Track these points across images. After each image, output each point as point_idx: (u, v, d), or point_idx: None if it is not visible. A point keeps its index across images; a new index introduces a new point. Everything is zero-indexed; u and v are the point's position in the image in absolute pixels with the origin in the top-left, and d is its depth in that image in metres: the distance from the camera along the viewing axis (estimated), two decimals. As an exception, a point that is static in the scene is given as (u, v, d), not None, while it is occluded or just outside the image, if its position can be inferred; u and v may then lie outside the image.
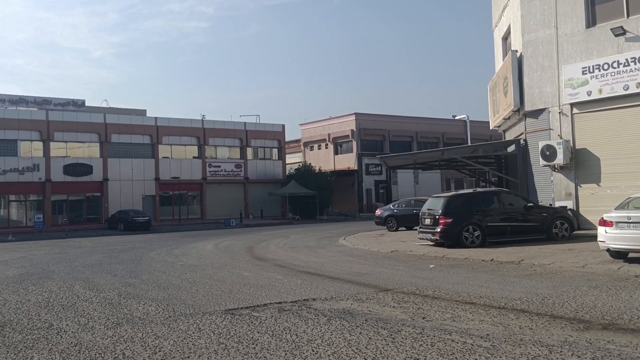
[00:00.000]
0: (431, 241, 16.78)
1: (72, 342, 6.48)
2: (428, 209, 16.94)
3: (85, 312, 8.31)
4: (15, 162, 38.92)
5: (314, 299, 8.55)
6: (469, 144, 57.04)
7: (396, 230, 25.65)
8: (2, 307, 9.07)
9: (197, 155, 47.35)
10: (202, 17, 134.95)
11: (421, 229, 17.23)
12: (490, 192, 17.10)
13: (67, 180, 40.82)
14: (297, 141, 62.80)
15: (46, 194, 39.97)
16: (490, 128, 24.81)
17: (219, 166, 48.22)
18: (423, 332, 6.22)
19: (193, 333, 6.58)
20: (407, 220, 25.84)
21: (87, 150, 42.29)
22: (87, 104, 43.72)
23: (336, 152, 57.44)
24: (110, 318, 7.74)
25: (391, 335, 6.12)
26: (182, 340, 6.26)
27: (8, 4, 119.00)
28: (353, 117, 54.90)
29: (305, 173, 49.71)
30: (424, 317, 7.02)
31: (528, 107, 19.16)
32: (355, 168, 54.49)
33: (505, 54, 23.06)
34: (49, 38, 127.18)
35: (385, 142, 56.68)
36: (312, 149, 60.49)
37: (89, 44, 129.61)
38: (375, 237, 22.68)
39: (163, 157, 45.31)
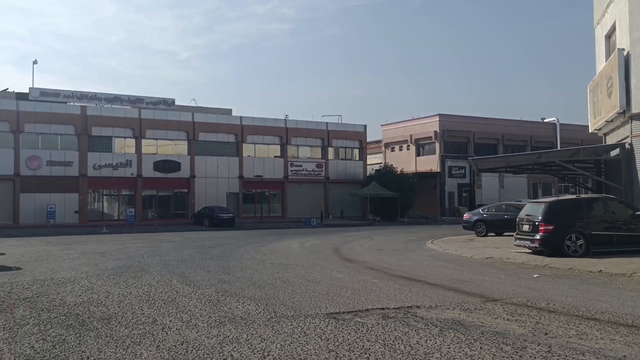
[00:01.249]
0: (529, 249, 15.86)
1: (178, 340, 6.40)
2: (527, 215, 16.02)
3: (186, 308, 8.29)
4: (109, 157, 40.83)
5: (417, 307, 8.11)
6: (559, 147, 54.43)
7: (485, 235, 24.63)
8: (105, 299, 9.25)
9: (279, 154, 47.86)
10: (284, 19, 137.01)
11: (518, 236, 16.33)
12: (595, 198, 15.97)
13: (157, 176, 42.37)
14: (378, 142, 62.19)
15: (137, 189, 41.67)
16: (590, 131, 23.30)
17: (301, 165, 48.51)
18: (551, 351, 5.65)
19: (299, 337, 6.33)
20: (497, 226, 24.77)
21: (175, 148, 43.73)
22: (175, 103, 45.26)
23: (418, 154, 56.38)
24: (212, 316, 7.66)
25: (516, 352, 5.60)
26: (289, 345, 6.02)
27: (102, 8, 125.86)
28: (437, 118, 53.67)
29: (386, 174, 49.04)
30: (546, 333, 6.43)
31: (635, 109, 17.74)
32: (438, 170, 53.24)
33: (608, 53, 21.56)
34: (140, 40, 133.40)
35: (469, 144, 55.03)
36: (393, 150, 59.70)
37: (176, 46, 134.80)
38: (464, 242, 21.85)
39: (247, 156, 46.12)
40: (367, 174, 51.76)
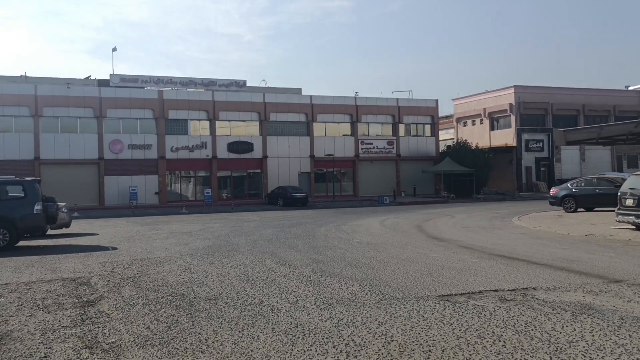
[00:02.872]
0: (633, 224, 14.83)
1: (291, 323, 6.23)
2: (630, 188, 14.95)
3: (288, 289, 8.14)
4: (185, 140, 41.73)
5: (534, 288, 7.61)
6: (646, 116, 51.16)
7: (574, 211, 23.40)
8: (205, 279, 9.27)
9: (349, 132, 47.43)
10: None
11: (620, 211, 15.27)
12: None
13: (231, 157, 42.99)
14: (449, 117, 60.55)
15: (212, 170, 42.46)
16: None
17: (371, 143, 47.92)
18: None
19: (419, 322, 6.01)
20: (588, 201, 23.46)
21: (248, 129, 44.16)
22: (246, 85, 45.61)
23: (492, 128, 54.45)
24: (318, 297, 7.46)
25: (671, 340, 5.05)
26: (411, 330, 5.71)
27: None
28: (512, 90, 51.52)
29: (460, 150, 47.68)
30: (695, 319, 5.82)
31: None
32: (514, 144, 51.20)
33: None
34: (205, 24, 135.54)
35: (547, 116, 52.59)
36: (465, 124, 57.97)
37: (240, 28, 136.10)
38: (553, 218, 20.82)
39: (317, 135, 45.97)
40: (440, 150, 50.55)
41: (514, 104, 51.12)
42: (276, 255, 11.97)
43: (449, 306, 6.64)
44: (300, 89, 48.14)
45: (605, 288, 7.51)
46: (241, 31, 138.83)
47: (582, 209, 23.67)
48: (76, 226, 20.87)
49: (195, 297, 7.79)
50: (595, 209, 23.61)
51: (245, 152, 43.47)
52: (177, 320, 6.56)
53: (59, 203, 16.66)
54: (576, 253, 11.30)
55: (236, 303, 7.33)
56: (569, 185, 24.84)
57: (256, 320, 6.39)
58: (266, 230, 18.88)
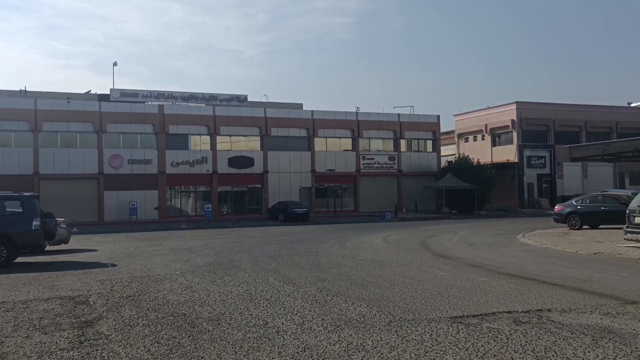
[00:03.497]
0: (642, 243, 14.56)
1: (298, 346, 5.96)
2: (639, 206, 14.71)
3: (294, 309, 7.87)
4: (186, 155, 41.56)
5: (548, 310, 7.34)
6: (648, 133, 51.02)
7: (579, 228, 23.11)
8: (207, 297, 9.00)
9: (351, 147, 47.30)
10: (345, 13, 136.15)
11: (629, 229, 15.00)
12: None
13: (231, 172, 42.80)
14: (450, 132, 60.46)
15: (213, 185, 42.24)
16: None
17: (373, 158, 47.77)
18: None
19: (432, 346, 5.74)
20: (593, 218, 23.16)
21: (248, 144, 44.03)
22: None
23: (494, 144, 54.31)
24: (325, 318, 7.19)
25: (701, 369, 4.79)
26: (425, 355, 5.44)
27: (170, 10, 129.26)
28: (514, 106, 51.44)
29: (462, 166, 47.47)
30: None
31: None
32: (516, 160, 51.02)
33: None
34: (206, 40, 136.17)
35: (549, 132, 52.48)
36: (466, 140, 57.85)
37: (241, 44, 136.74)
38: (559, 235, 20.55)
39: (318, 150, 45.82)
40: (441, 165, 50.37)
41: (515, 120, 51.04)
42: (279, 273, 11.69)
43: (462, 329, 6.37)
44: (301, 104, 48.10)
45: (622, 310, 7.25)
46: (242, 47, 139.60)
47: (586, 226, 23.39)
48: (75, 242, 20.59)
49: (197, 318, 7.52)
50: (600, 226, 23.33)
51: (246, 167, 43.29)
52: (178, 342, 6.29)
53: (57, 218, 16.40)
54: (587, 272, 11.03)
55: (240, 324, 7.07)
56: (573, 202, 24.58)
57: (261, 343, 6.12)
58: (268, 246, 18.60)
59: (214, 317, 7.51)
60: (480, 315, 7.08)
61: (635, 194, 27.24)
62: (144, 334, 6.70)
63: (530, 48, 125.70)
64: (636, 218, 14.67)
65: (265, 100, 47.79)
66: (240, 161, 43.17)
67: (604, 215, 22.78)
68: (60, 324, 7.32)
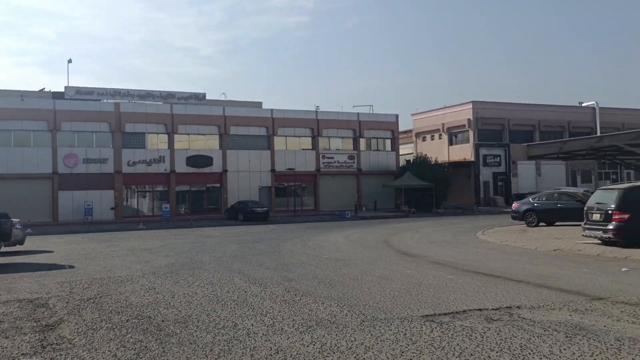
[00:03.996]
0: (599, 239, 14.95)
1: (271, 348, 5.80)
2: (597, 203, 15.10)
3: (263, 310, 7.69)
4: (143, 154, 40.63)
5: (518, 307, 7.40)
6: (598, 133, 52.74)
7: (536, 225, 23.64)
8: (172, 299, 8.73)
9: (310, 146, 47.21)
10: (303, 12, 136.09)
11: (587, 225, 15.39)
12: (673, 184, 14.93)
13: (190, 171, 42.06)
14: (408, 132, 61.10)
15: (171, 185, 41.43)
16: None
17: (332, 157, 47.78)
18: None
19: (408, 346, 5.67)
20: (550, 215, 23.72)
21: (207, 143, 43.37)
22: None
23: (451, 143, 55.17)
24: (296, 319, 7.05)
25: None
26: (401, 355, 5.36)
27: (125, 8, 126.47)
28: (470, 106, 52.36)
29: (420, 164, 48.02)
30: (689, 338, 5.67)
31: None
32: (472, 159, 51.98)
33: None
34: (162, 38, 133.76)
35: (504, 131, 53.61)
36: (424, 139, 58.58)
37: (197, 42, 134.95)
38: (517, 232, 20.95)
39: (278, 149, 45.55)
40: (400, 164, 50.84)
41: (472, 119, 51.94)
42: (244, 273, 11.48)
43: (436, 328, 6.34)
44: (260, 103, 47.71)
45: (590, 306, 7.36)
46: (198, 45, 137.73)
47: (543, 224, 23.93)
48: (30, 243, 19.80)
49: (163, 320, 7.27)
50: (556, 223, 23.90)
51: (204, 166, 42.63)
52: (146, 346, 6.05)
53: (12, 219, 15.72)
54: (550, 269, 11.23)
55: (208, 326, 6.85)
56: (530, 199, 25.12)
57: (232, 346, 5.94)
58: (230, 246, 18.31)
59: (180, 320, 7.27)
60: (451, 314, 7.07)
61: (588, 192, 28.17)
62: (109, 338, 6.42)
63: (487, 48, 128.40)
64: (594, 215, 15.06)
65: (224, 99, 47.17)
66: (199, 160, 42.48)
67: (560, 212, 23.35)
68: (21, 327, 6.98)
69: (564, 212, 23.18)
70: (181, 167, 41.70)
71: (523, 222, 24.40)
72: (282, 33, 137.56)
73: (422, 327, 6.36)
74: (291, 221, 36.04)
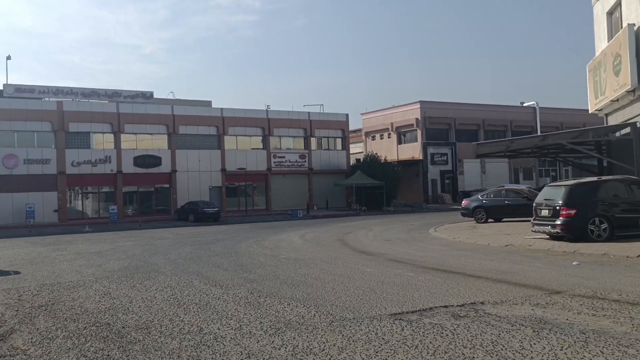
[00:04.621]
0: (548, 234, 15.44)
1: (241, 352, 5.65)
2: (545, 199, 15.58)
3: (227, 313, 7.52)
4: (88, 154, 39.35)
5: (482, 303, 7.51)
6: (539, 132, 54.65)
7: (485, 222, 24.25)
8: (130, 304, 8.43)
9: (261, 146, 46.90)
10: (249, 11, 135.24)
11: (536, 221, 15.87)
12: (617, 179, 15.53)
13: (137, 171, 41.07)
14: (358, 131, 61.61)
15: (118, 186, 40.30)
16: (590, 112, 23.06)
17: (284, 157, 47.67)
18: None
19: (382, 345, 5.64)
20: (498, 212, 24.39)
21: (155, 142, 42.43)
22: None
23: (399, 142, 55.97)
24: (263, 321, 6.91)
25: (642, 354, 5.02)
26: (376, 355, 5.32)
27: (65, 3, 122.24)
28: (418, 105, 53.29)
29: (370, 163, 48.48)
30: (649, 329, 5.88)
31: (648, 86, 17.46)
32: (420, 158, 52.91)
33: (610, 30, 21.32)
34: (104, 35, 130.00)
35: (450, 130, 54.83)
36: (373, 138, 59.22)
37: (141, 40, 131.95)
38: (468, 229, 21.42)
39: (229, 148, 45.01)
40: (350, 163, 51.19)
41: (419, 118, 52.85)
42: (203, 276, 11.23)
43: (406, 326, 6.34)
44: (210, 102, 47.06)
45: (550, 300, 7.54)
46: (142, 43, 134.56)
47: (491, 220, 24.57)
48: (-34, 249, 18.81)
49: (123, 327, 6.99)
50: (504, 219, 24.57)
51: (152, 167, 41.71)
52: (108, 355, 5.79)
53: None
54: (505, 264, 11.48)
55: (172, 332, 6.63)
56: (479, 197, 25.74)
57: (201, 352, 5.76)
58: (183, 248, 17.93)
59: (142, 325, 7.01)
60: (418, 311, 7.10)
61: (531, 189, 29.09)
62: (67, 347, 6.12)
63: (433, 49, 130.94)
64: (542, 211, 15.53)
65: (172, 97, 46.29)
66: (147, 160, 41.54)
67: (507, 208, 24.03)
68: (-33, 340, 6.55)
69: (511, 208, 23.87)
70: (128, 167, 40.64)
71: (472, 219, 24.99)
72: (228, 32, 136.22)
73: (392, 326, 6.36)
74: (243, 221, 35.72)
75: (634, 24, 17.86)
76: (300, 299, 8.28)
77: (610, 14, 21.29)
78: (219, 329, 6.65)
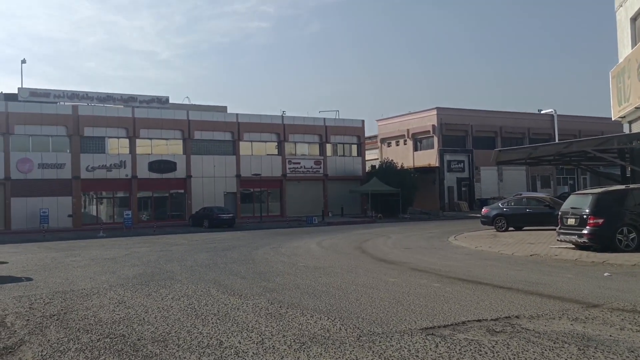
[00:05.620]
0: (574, 244, 14.91)
1: (265, 369, 5.28)
2: (572, 208, 15.05)
3: (248, 325, 7.15)
4: (103, 159, 39.31)
5: (517, 317, 7.06)
6: (557, 139, 53.84)
7: (506, 230, 23.71)
8: (146, 314, 8.09)
9: (276, 152, 46.63)
10: (264, 17, 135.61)
11: (562, 230, 15.34)
12: (647, 188, 14.98)
13: (152, 177, 40.93)
14: (373, 137, 61.19)
15: (132, 191, 40.21)
16: (613, 119, 22.43)
17: (299, 163, 47.34)
18: None
19: (416, 363, 5.24)
20: (519, 220, 23.84)
21: (171, 147, 42.29)
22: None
23: (415, 149, 55.46)
24: (286, 335, 6.53)
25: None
26: (411, 373, 4.93)
27: (80, 9, 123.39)
28: (434, 112, 52.78)
29: (386, 170, 47.97)
30: (703, 349, 5.42)
31: (678, 92, 16.88)
32: (437, 165, 52.34)
33: (635, 35, 20.75)
34: (119, 41, 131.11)
35: (467, 137, 54.21)
36: (389, 145, 58.76)
37: (156, 45, 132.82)
38: (489, 237, 20.90)
39: (244, 154, 44.80)
40: (366, 169, 50.76)
41: (436, 125, 52.32)
42: (220, 284, 10.88)
43: (440, 342, 5.93)
44: (225, 107, 46.89)
45: (588, 314, 7.09)
46: (157, 49, 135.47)
47: (512, 228, 24.03)
48: (-19, 253, 18.66)
49: (139, 339, 6.65)
50: (524, 227, 24.02)
51: (167, 172, 41.56)
52: (123, 370, 5.44)
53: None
54: (534, 275, 11.01)
55: (191, 345, 6.28)
56: (500, 204, 25.20)
57: (222, 368, 5.39)
58: (199, 254, 17.62)
59: (158, 338, 6.66)
60: (451, 325, 6.69)
61: (552, 196, 28.51)
62: (80, 362, 5.79)
63: (451, 55, 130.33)
64: (569, 220, 15.01)
65: (187, 103, 46.23)
66: (162, 165, 41.40)
67: (528, 217, 23.48)
68: (-25, 352, 6.24)
69: (532, 216, 23.32)
70: (143, 172, 40.53)
71: (492, 227, 24.45)
72: (244, 38, 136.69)
73: (425, 342, 5.94)
74: (258, 227, 35.41)
75: (662, 28, 17.29)
76: (323, 310, 7.90)
77: (634, 19, 20.73)
78: (239, 343, 6.28)
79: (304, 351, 5.82)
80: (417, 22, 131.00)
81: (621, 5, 22.14)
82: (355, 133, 50.31)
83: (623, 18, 21.94)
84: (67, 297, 9.82)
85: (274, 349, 5.98)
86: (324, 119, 48.96)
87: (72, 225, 37.40)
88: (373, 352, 5.67)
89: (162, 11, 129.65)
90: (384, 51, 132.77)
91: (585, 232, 14.25)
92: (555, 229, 16.11)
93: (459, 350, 5.59)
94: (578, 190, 52.15)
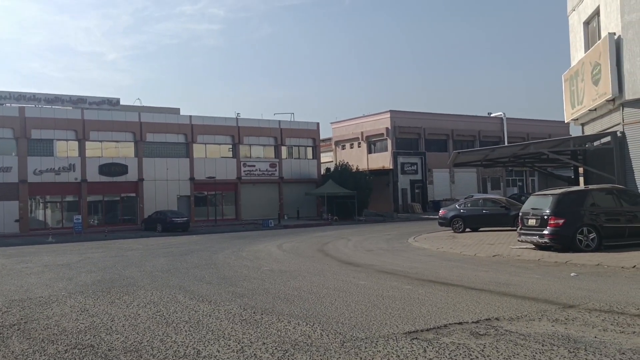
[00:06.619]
0: (535, 244, 15.21)
1: (251, 379, 5.06)
2: (532, 208, 15.35)
3: (224, 332, 6.88)
4: (51, 162, 37.84)
5: (497, 319, 7.06)
6: (506, 142, 55.35)
7: (463, 231, 24.08)
8: (112, 323, 7.70)
9: (231, 154, 46.05)
10: (214, 19, 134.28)
11: (522, 231, 15.64)
12: (605, 189, 15.41)
13: (103, 180, 39.68)
14: (328, 140, 61.29)
15: (82, 195, 38.86)
16: (566, 121, 23.14)
17: (254, 165, 46.89)
18: None
19: (408, 368, 5.12)
20: (476, 221, 24.25)
21: (122, 150, 41.13)
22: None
23: (370, 151, 55.84)
24: (266, 342, 6.31)
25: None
26: (405, 379, 4.81)
27: (24, 8, 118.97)
28: (388, 115, 53.27)
29: (342, 172, 48.11)
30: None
31: (628, 95, 17.48)
32: (391, 167, 52.82)
33: (588, 39, 21.44)
34: (64, 41, 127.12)
35: (420, 140, 54.95)
36: (343, 147, 58.97)
37: (103, 47, 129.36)
38: (448, 239, 21.14)
39: (197, 157, 44.03)
40: (321, 172, 50.75)
41: (390, 128, 52.80)
42: (186, 290, 10.52)
43: (427, 347, 5.83)
44: (178, 109, 46.02)
45: (567, 315, 7.15)
46: (104, 50, 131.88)
47: (469, 229, 24.41)
48: None
49: (109, 349, 6.30)
50: (481, 229, 24.44)
51: (118, 175, 40.40)
52: (98, 385, 5.11)
53: None
54: (501, 275, 11.13)
55: (166, 355, 5.98)
56: (457, 206, 25.58)
57: (205, 379, 5.14)
58: (157, 259, 17.10)
59: (130, 348, 6.33)
60: (433, 329, 6.61)
61: (507, 198, 29.15)
62: (49, 377, 5.41)
63: (402, 59, 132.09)
64: (529, 220, 15.30)
65: (139, 104, 45.07)
66: (113, 169, 40.20)
67: (485, 218, 23.91)
68: None
69: (489, 218, 23.77)
70: (93, 175, 39.26)
71: (450, 228, 24.79)
72: (192, 40, 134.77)
73: (412, 347, 5.84)
74: (213, 231, 34.81)
75: (614, 33, 17.92)
76: (300, 315, 7.70)
77: (587, 23, 21.42)
78: (218, 351, 6.02)
79: (287, 358, 5.62)
80: (365, 27, 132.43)
81: (574, 10, 22.84)
82: (310, 136, 50.25)
83: (576, 22, 22.64)
84: (26, 306, 9.29)
85: (255, 357, 5.76)
86: (279, 121, 48.70)
87: (19, 230, 35.83)
88: (360, 358, 5.52)
89: (109, 11, 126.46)
90: (335, 56, 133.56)
91: (546, 232, 14.55)
92: (511, 230, 16.41)
93: (449, 355, 5.50)
94: (527, 192, 53.99)
